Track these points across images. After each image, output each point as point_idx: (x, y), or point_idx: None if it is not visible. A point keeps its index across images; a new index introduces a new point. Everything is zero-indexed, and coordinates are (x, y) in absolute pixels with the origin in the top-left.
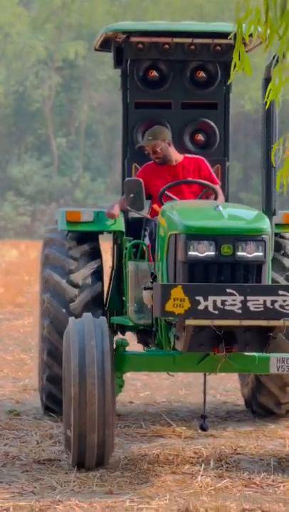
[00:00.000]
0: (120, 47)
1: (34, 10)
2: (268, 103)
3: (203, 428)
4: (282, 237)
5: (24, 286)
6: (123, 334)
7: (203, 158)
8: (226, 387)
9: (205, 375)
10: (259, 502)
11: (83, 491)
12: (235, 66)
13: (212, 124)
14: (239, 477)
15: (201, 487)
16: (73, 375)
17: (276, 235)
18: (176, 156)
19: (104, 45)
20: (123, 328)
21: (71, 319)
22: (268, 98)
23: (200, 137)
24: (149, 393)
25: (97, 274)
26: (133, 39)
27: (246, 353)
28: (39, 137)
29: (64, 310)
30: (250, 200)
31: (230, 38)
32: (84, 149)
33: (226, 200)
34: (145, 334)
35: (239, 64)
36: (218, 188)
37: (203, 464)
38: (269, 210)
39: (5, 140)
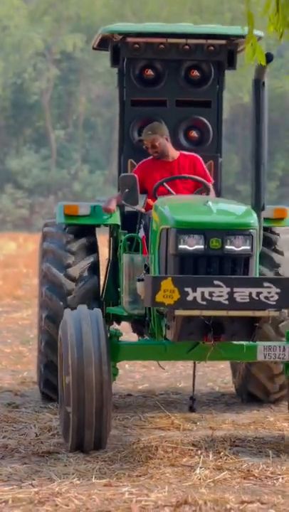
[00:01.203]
0: (117, 46)
1: (32, 2)
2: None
3: (192, 409)
4: (272, 232)
5: (22, 279)
6: (119, 324)
7: (198, 157)
8: (225, 380)
9: (194, 362)
10: (258, 494)
11: (82, 483)
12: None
13: (205, 121)
14: (238, 469)
15: (199, 479)
16: (71, 365)
17: (267, 229)
18: (172, 153)
19: (102, 44)
20: (118, 318)
21: (67, 311)
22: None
23: (194, 134)
24: (148, 385)
25: (94, 268)
26: (129, 39)
27: (234, 342)
28: (37, 130)
29: (61, 303)
30: (248, 192)
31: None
32: (82, 142)
33: (220, 194)
34: (140, 324)
35: (252, 53)
36: (210, 186)
37: (202, 456)
38: (258, 206)
39: (3, 132)
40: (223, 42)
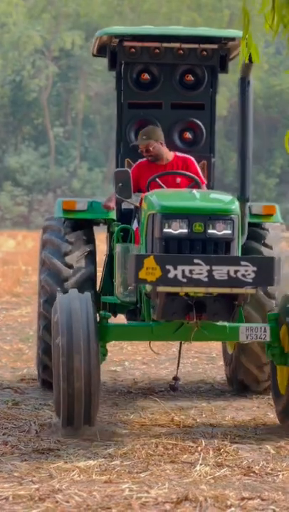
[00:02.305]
0: (114, 51)
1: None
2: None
3: (173, 388)
4: (262, 228)
5: (21, 276)
6: (115, 316)
7: (192, 158)
8: (225, 377)
9: (180, 343)
10: (258, 490)
11: (82, 480)
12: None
13: (199, 123)
14: (238, 466)
15: (200, 476)
16: (61, 344)
17: (257, 225)
18: (167, 155)
19: (101, 50)
20: (114, 310)
21: (59, 294)
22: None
23: (188, 135)
24: (148, 383)
25: (90, 257)
26: (126, 44)
27: (218, 323)
28: (36, 127)
29: (58, 288)
30: None
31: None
32: (81, 139)
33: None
34: (133, 314)
35: (246, 51)
36: (203, 187)
37: (202, 453)
38: (243, 197)
39: (2, 130)
40: (216, 46)
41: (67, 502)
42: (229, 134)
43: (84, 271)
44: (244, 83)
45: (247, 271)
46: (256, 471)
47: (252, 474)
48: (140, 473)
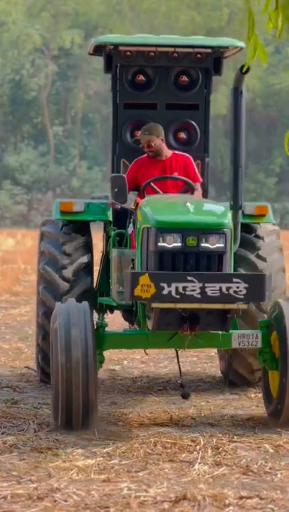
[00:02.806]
0: (110, 54)
1: None
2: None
3: (184, 396)
4: (257, 236)
5: (21, 275)
6: (112, 313)
7: (189, 157)
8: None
9: (177, 350)
10: (257, 489)
11: (81, 479)
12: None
13: (193, 123)
14: (236, 465)
15: (198, 475)
16: (60, 352)
17: (250, 231)
18: (166, 152)
19: (97, 49)
20: (111, 308)
21: (57, 304)
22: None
23: (182, 135)
24: (146, 382)
25: (88, 268)
26: (121, 48)
27: (211, 331)
28: (35, 126)
29: (56, 302)
30: (246, 188)
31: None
32: (80, 138)
33: (207, 191)
34: (129, 313)
35: (253, 52)
36: (198, 185)
37: (200, 452)
38: (236, 206)
39: (1, 129)
40: (209, 51)
41: (66, 501)
42: (228, 132)
43: (81, 284)
44: (237, 93)
45: (239, 287)
46: (255, 470)
47: (250, 473)
48: (139, 472)
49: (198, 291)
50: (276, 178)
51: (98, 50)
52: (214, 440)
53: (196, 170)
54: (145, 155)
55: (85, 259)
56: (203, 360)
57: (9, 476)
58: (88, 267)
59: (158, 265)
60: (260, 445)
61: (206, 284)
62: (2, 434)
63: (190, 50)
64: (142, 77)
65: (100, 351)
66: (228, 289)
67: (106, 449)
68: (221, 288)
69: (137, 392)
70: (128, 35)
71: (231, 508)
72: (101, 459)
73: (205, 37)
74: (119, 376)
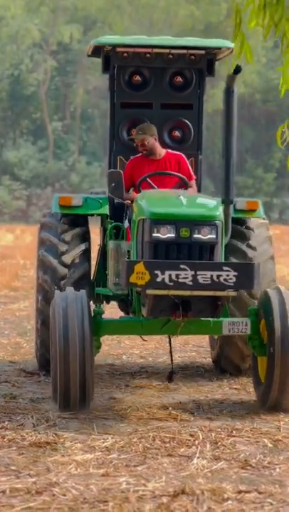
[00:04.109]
0: (108, 55)
1: None
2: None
3: (170, 379)
4: (247, 227)
5: (20, 270)
6: (108, 303)
7: (183, 155)
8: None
9: (169, 337)
10: (255, 484)
11: (80, 473)
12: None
13: (187, 122)
14: (235, 459)
15: (197, 469)
16: (58, 338)
17: (241, 223)
18: (160, 151)
19: (95, 51)
20: (108, 298)
21: (56, 292)
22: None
23: (177, 134)
24: (145, 376)
25: (85, 255)
26: (119, 49)
27: (202, 318)
28: (34, 121)
29: (55, 287)
30: (244, 183)
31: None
32: (79, 133)
33: (200, 188)
34: (125, 303)
35: (239, 50)
36: (192, 182)
37: (199, 447)
38: (227, 199)
39: (0, 124)
40: (203, 52)
41: (64, 495)
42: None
43: (79, 269)
44: (228, 92)
45: (229, 275)
46: (253, 465)
47: (249, 467)
48: (137, 466)
49: (191, 278)
50: (275, 174)
51: (96, 51)
52: (213, 435)
53: (190, 168)
54: (140, 154)
55: (82, 246)
56: (202, 356)
57: (8, 471)
58: (86, 254)
59: (152, 255)
60: (258, 439)
61: (198, 272)
62: (1, 428)
63: (184, 51)
64: (138, 78)
65: (96, 337)
66: (218, 277)
67: (105, 444)
68: (212, 276)
69: (135, 387)
70: (127, 30)
71: (230, 502)
72: (100, 453)
73: (199, 38)
74: (118, 371)
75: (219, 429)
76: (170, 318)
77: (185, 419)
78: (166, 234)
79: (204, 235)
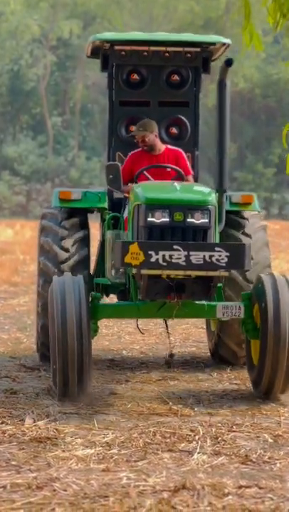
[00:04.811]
0: (106, 54)
1: None
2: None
3: (168, 364)
4: (242, 217)
5: (19, 266)
6: (108, 296)
7: (181, 151)
8: (222, 366)
9: (166, 321)
10: (256, 479)
11: (80, 469)
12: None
13: (184, 119)
14: (235, 454)
15: (197, 464)
16: (56, 321)
17: (236, 213)
18: (159, 146)
19: (94, 52)
20: (107, 290)
21: (54, 277)
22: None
23: (174, 130)
24: (145, 372)
25: (84, 241)
26: (117, 47)
27: (197, 302)
28: (34, 116)
29: (55, 270)
30: (244, 179)
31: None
32: (79, 128)
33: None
34: (123, 295)
35: (249, 40)
36: (190, 177)
37: (199, 442)
38: (221, 188)
39: (0, 119)
40: (198, 50)
41: (65, 490)
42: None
43: (78, 254)
44: (221, 85)
45: (221, 256)
46: (254, 460)
47: (249, 463)
48: (138, 461)
49: (184, 259)
50: (275, 169)
51: (95, 51)
52: (213, 430)
53: (188, 163)
54: (139, 149)
55: (81, 233)
56: (202, 351)
57: (9, 466)
58: (85, 240)
59: (147, 239)
60: (259, 435)
61: (191, 253)
62: (1, 423)
63: (180, 49)
64: (136, 76)
65: (94, 321)
66: (210, 257)
67: (105, 439)
68: (204, 256)
69: (136, 383)
70: (127, 25)
71: (230, 497)
72: (100, 448)
73: (194, 34)
74: (118, 366)
75: (220, 424)
76: (165, 301)
77: (185, 415)
78: (160, 218)
79: (197, 219)
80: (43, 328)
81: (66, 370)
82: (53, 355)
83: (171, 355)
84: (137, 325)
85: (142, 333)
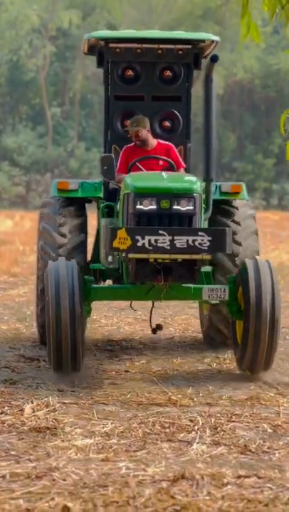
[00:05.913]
0: (102, 51)
1: None
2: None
3: (154, 331)
4: (232, 206)
5: (19, 256)
6: (104, 281)
7: (172, 145)
8: (222, 357)
9: (153, 302)
10: (255, 469)
11: (79, 458)
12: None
13: (177, 113)
14: (235, 444)
15: (196, 454)
16: (52, 302)
17: (226, 202)
18: (151, 141)
19: (90, 49)
20: (103, 276)
21: (50, 262)
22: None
23: (167, 124)
24: (145, 362)
25: (81, 227)
26: (112, 45)
27: (184, 285)
28: (33, 107)
29: (54, 254)
30: (244, 169)
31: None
32: (78, 119)
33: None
34: (118, 280)
35: (246, 31)
36: (181, 170)
37: (198, 432)
38: (208, 178)
39: None
40: (190, 47)
41: (64, 480)
42: (226, 113)
43: (75, 239)
44: (208, 80)
45: (203, 240)
46: (253, 450)
47: (248, 453)
48: (137, 451)
49: (168, 243)
50: (275, 159)
51: (91, 49)
52: (212, 420)
53: (179, 156)
54: (132, 144)
55: (78, 220)
56: (201, 342)
57: (8, 456)
58: (81, 226)
59: (136, 225)
60: (258, 425)
61: (175, 237)
62: (1, 413)
63: (172, 46)
64: (130, 72)
65: (87, 303)
66: (193, 241)
67: (105, 429)
68: (187, 240)
69: (135, 373)
70: (126, 15)
71: (229, 487)
72: (100, 438)
73: (184, 32)
74: (117, 357)
75: (219, 415)
76: (154, 284)
77: (185, 405)
78: (148, 206)
79: (183, 207)
80: (42, 311)
81: (60, 349)
82: (49, 333)
83: (159, 326)
84: (131, 305)
85: (134, 310)
